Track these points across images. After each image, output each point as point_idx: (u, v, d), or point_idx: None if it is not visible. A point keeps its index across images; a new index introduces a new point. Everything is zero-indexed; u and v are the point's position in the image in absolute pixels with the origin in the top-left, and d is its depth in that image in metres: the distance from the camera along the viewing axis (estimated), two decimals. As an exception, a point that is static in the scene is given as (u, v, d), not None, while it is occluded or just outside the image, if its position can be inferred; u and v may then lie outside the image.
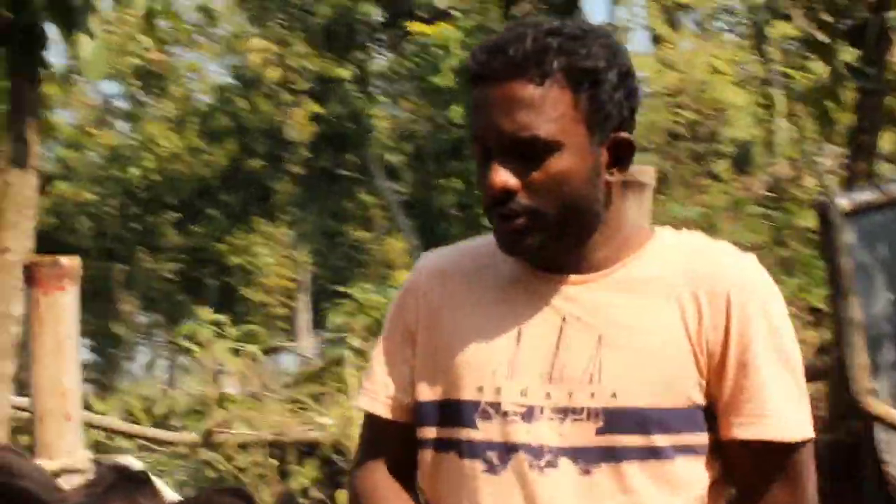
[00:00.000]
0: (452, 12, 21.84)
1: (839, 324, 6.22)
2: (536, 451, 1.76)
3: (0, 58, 6.26)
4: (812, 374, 7.39)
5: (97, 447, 8.21)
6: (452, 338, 1.85)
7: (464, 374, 1.82)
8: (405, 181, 25.99)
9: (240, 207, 27.21)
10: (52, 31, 6.43)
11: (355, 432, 4.69)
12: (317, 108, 25.54)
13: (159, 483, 2.64)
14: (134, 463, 2.48)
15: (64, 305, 2.88)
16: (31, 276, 2.84)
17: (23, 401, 4.94)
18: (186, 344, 8.87)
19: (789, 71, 12.22)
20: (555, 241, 1.77)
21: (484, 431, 1.79)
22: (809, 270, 10.07)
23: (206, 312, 8.98)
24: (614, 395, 1.74)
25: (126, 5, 6.46)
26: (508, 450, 1.77)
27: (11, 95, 6.21)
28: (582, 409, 1.74)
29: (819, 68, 9.76)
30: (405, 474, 1.92)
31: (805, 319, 8.67)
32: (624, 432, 1.73)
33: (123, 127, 30.67)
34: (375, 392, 1.93)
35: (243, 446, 7.35)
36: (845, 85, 8.22)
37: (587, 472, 1.74)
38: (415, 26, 22.51)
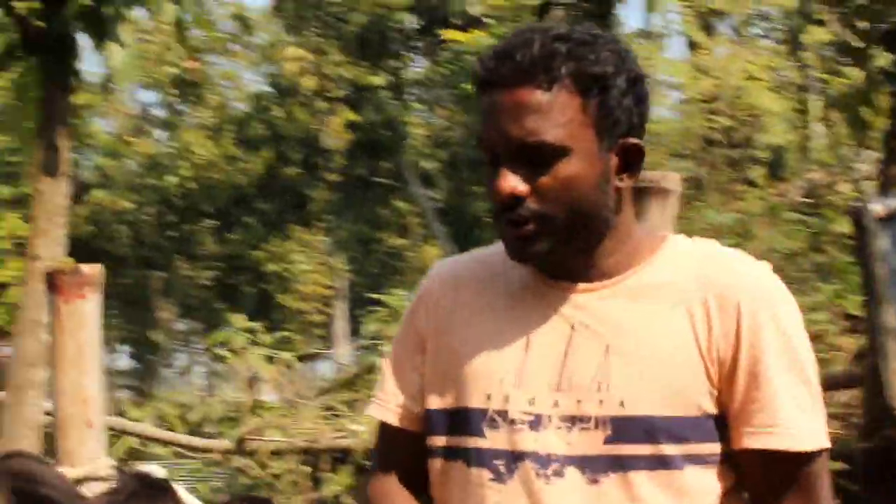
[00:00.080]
0: (485, 20, 21.83)
1: (873, 330, 6.17)
2: (543, 460, 1.74)
3: (32, 67, 6.32)
4: (848, 381, 7.33)
5: (133, 454, 8.27)
6: (462, 346, 1.84)
7: (472, 383, 1.81)
8: (440, 188, 26.01)
9: (276, 215, 27.32)
10: (85, 40, 6.50)
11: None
12: (352, 116, 25.61)
13: (181, 491, 2.64)
14: (156, 470, 2.48)
15: (85, 313, 2.89)
16: (52, 283, 2.85)
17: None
18: (220, 351, 8.91)
19: (825, 76, 12.13)
20: (563, 247, 1.75)
21: (491, 440, 1.78)
22: (846, 276, 9.98)
23: (239, 320, 9.01)
24: (622, 404, 1.72)
25: (157, 14, 6.49)
26: (515, 458, 1.76)
27: (44, 104, 6.26)
28: (590, 417, 1.73)
29: (855, 73, 9.68)
30: (417, 483, 1.91)
31: (841, 326, 8.58)
32: (632, 441, 1.71)
33: (161, 136, 30.88)
34: (386, 401, 1.93)
35: (277, 453, 7.36)
36: (880, 90, 8.15)
37: (595, 481, 1.72)
38: (449, 34, 22.53)
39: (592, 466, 1.72)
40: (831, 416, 6.07)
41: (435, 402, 1.86)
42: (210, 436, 8.51)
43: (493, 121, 1.74)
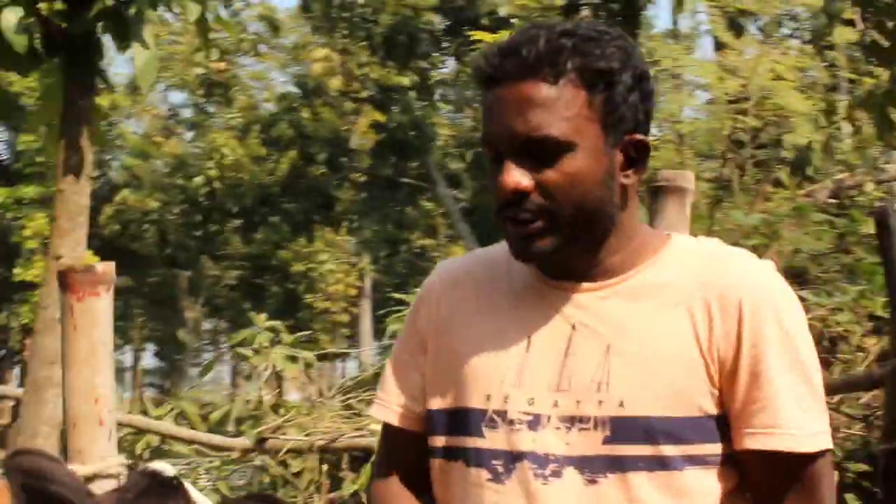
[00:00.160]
0: (513, 21, 21.81)
1: (895, 331, 6.11)
2: (542, 460, 1.72)
3: (55, 67, 6.35)
4: (871, 383, 7.26)
5: (155, 452, 8.29)
6: (463, 346, 1.83)
7: (472, 383, 1.80)
8: (466, 188, 26.01)
9: (302, 215, 27.40)
10: (109, 41, 6.52)
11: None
12: (378, 117, 25.65)
13: (191, 489, 2.65)
14: (167, 468, 2.49)
15: (98, 311, 2.89)
16: (64, 282, 2.86)
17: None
18: (242, 350, 8.92)
19: (853, 76, 12.05)
20: (568, 245, 1.73)
21: (490, 440, 1.76)
22: (872, 278, 9.91)
23: (261, 319, 9.02)
24: (622, 404, 1.70)
25: (182, 15, 6.50)
26: (514, 458, 1.74)
27: (66, 104, 6.28)
28: (589, 417, 1.71)
29: (882, 73, 9.61)
30: (419, 483, 1.90)
31: (866, 327, 8.53)
32: (631, 442, 1.69)
33: (188, 136, 31.04)
34: (387, 401, 1.93)
35: (297, 452, 7.36)
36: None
37: (593, 481, 1.70)
38: (477, 34, 22.52)
39: (591, 467, 1.70)
40: (853, 418, 6.03)
41: (436, 403, 1.85)
42: (232, 434, 8.52)
43: (497, 116, 1.72)
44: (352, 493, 7.20)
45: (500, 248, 1.85)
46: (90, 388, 2.87)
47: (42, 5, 6.16)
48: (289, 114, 26.79)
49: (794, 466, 1.72)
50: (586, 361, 1.73)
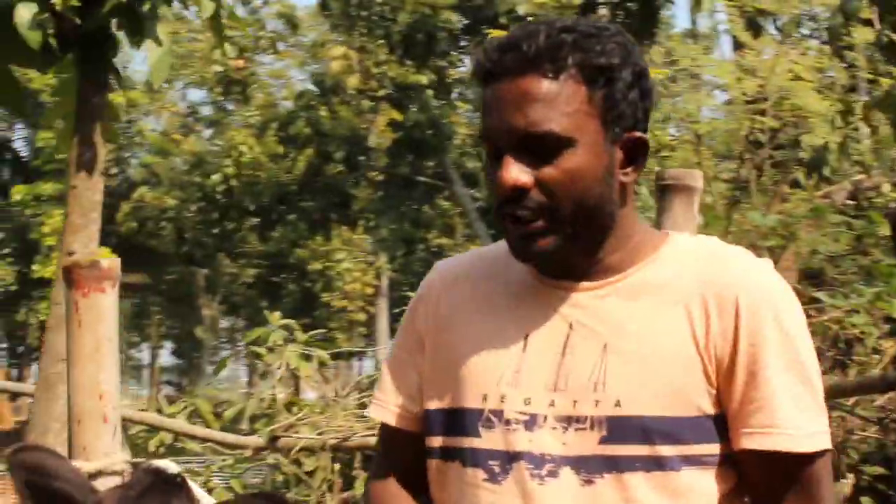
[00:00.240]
0: (531, 19, 21.81)
1: (910, 334, 6.09)
2: (538, 460, 1.71)
3: (68, 63, 6.36)
4: (887, 385, 7.22)
5: (169, 449, 8.30)
6: (460, 345, 1.82)
7: (469, 382, 1.78)
8: (483, 187, 26.01)
9: (319, 213, 27.43)
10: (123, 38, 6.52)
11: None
12: (396, 115, 25.65)
13: (195, 487, 2.64)
14: (170, 466, 2.47)
15: (103, 307, 2.88)
16: (69, 277, 2.85)
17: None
18: (255, 349, 8.93)
19: (872, 76, 11.99)
20: (569, 244, 1.72)
21: (487, 440, 1.75)
22: (889, 280, 9.85)
23: (275, 317, 9.03)
24: (619, 404, 1.68)
25: (199, 12, 6.50)
26: (510, 458, 1.73)
27: (80, 101, 6.30)
28: (585, 417, 1.69)
29: (899, 73, 9.56)
30: (417, 483, 1.89)
31: (882, 329, 8.48)
32: (628, 442, 1.67)
33: (207, 134, 31.11)
34: (385, 401, 1.92)
35: (310, 450, 7.35)
36: (923, 90, 8.03)
37: (589, 482, 1.69)
38: (495, 33, 22.51)
39: (587, 467, 1.69)
40: (868, 421, 5.99)
41: (433, 402, 1.84)
42: (246, 432, 8.52)
43: (497, 112, 1.71)
44: (364, 492, 7.19)
45: (500, 247, 1.84)
46: (94, 385, 2.86)
47: (56, 1, 6.17)
48: (307, 112, 26.83)
49: (792, 467, 1.70)
50: (583, 361, 1.72)
